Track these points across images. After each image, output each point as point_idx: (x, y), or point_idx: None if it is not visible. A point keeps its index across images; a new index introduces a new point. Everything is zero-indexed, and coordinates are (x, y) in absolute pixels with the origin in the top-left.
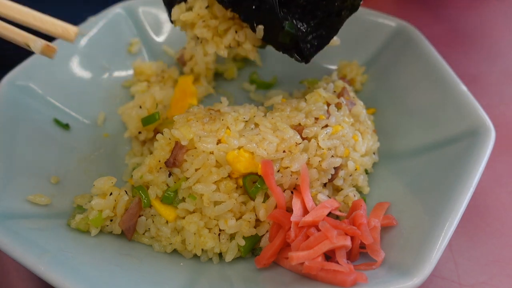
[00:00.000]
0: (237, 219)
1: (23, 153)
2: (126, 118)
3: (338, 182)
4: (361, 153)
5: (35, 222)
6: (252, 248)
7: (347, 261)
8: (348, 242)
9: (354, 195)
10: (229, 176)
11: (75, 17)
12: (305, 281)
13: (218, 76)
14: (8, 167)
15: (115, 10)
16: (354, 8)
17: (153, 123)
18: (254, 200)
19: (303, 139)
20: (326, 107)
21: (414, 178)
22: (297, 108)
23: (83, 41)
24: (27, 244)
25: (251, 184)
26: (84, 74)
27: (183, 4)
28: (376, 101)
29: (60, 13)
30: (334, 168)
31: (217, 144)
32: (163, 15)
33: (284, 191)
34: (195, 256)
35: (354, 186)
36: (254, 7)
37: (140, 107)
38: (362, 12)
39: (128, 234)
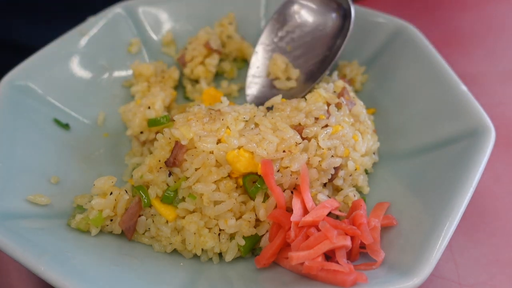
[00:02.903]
0: (237, 219)
1: (23, 153)
2: (127, 118)
3: (338, 182)
4: (361, 153)
5: (35, 222)
6: (252, 248)
7: (347, 261)
8: (348, 242)
9: (354, 195)
10: (229, 175)
11: None
12: (305, 281)
13: (218, 76)
14: (8, 167)
15: (115, 10)
16: None
17: (159, 126)
18: (254, 200)
19: (303, 139)
20: (326, 107)
21: (414, 178)
22: (297, 108)
23: (83, 41)
24: (27, 244)
25: (251, 184)
26: (84, 74)
27: None
28: (376, 101)
29: None
30: (334, 168)
31: (217, 143)
32: (163, 15)
33: (284, 191)
34: (195, 256)
35: (354, 186)
36: None
37: (149, 107)
38: (362, 12)
39: (128, 234)
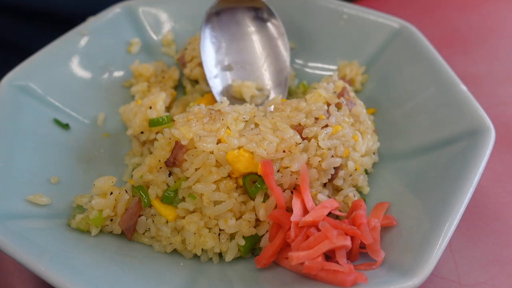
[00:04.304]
0: (237, 219)
1: (23, 153)
2: (127, 118)
3: (338, 182)
4: (361, 153)
5: (35, 222)
6: (252, 248)
7: (347, 261)
8: (348, 242)
9: (354, 195)
10: (229, 175)
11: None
12: (305, 281)
13: None
14: (8, 167)
15: (115, 10)
16: None
17: (161, 126)
18: (254, 200)
19: (303, 139)
20: (326, 107)
21: (414, 178)
22: (297, 108)
23: (83, 41)
24: (27, 244)
25: (251, 183)
26: (84, 74)
27: None
28: (376, 101)
29: None
30: (334, 168)
31: (217, 143)
32: (163, 15)
33: (284, 191)
34: (195, 256)
35: (354, 186)
36: None
37: (150, 107)
38: (362, 12)
39: (128, 234)
